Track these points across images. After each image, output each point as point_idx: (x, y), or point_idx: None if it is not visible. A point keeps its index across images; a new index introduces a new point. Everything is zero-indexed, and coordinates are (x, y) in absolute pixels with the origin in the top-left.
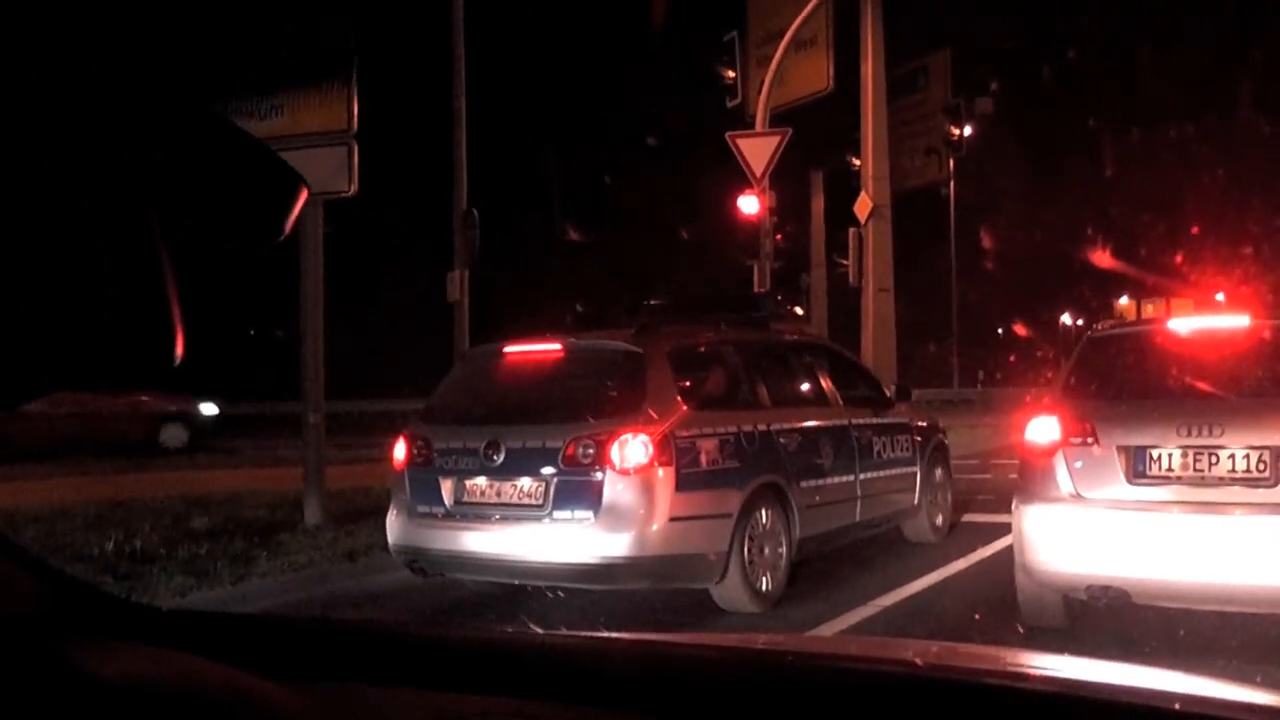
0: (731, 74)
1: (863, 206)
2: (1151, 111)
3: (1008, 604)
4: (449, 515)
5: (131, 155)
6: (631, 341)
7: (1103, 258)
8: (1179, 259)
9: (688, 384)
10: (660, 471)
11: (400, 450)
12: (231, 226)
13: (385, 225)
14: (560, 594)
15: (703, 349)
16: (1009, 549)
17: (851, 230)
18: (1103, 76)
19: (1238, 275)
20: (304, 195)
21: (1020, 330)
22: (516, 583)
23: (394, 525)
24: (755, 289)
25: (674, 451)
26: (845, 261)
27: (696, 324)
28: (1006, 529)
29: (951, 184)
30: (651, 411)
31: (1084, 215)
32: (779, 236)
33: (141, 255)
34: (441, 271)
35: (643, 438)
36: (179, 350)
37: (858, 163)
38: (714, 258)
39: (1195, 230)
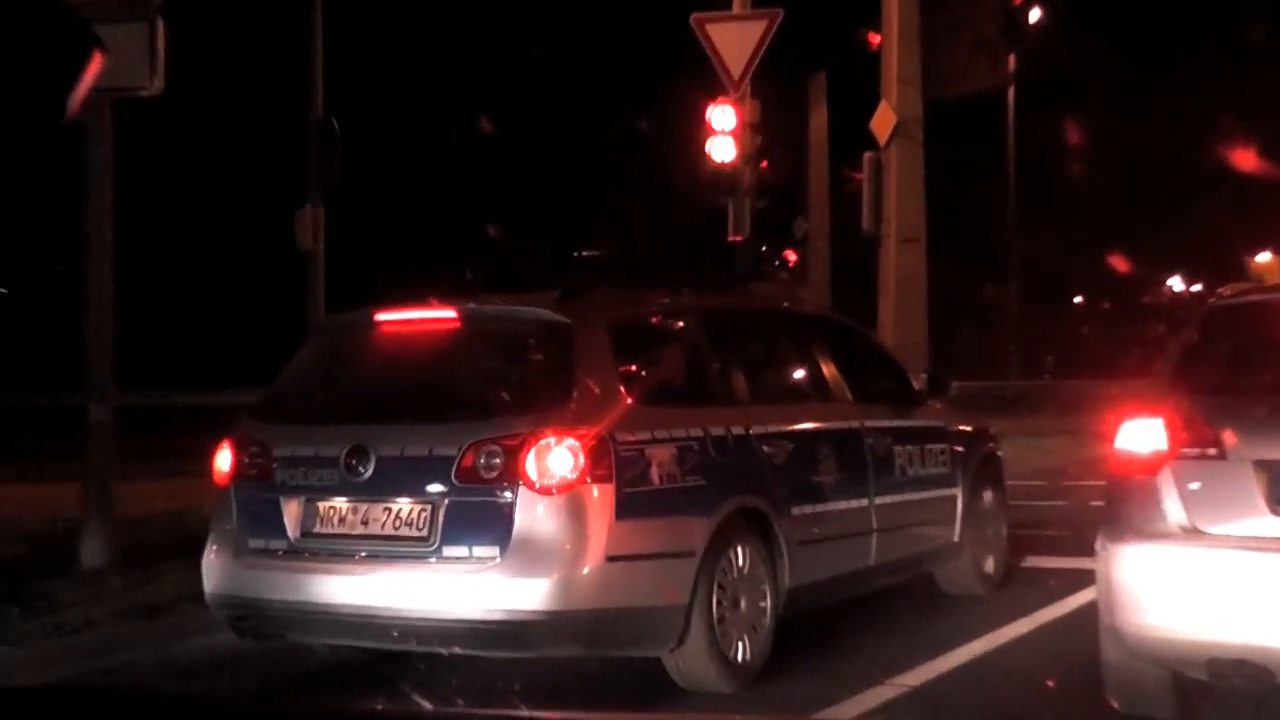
0: None
1: (883, 122)
2: None
3: (1090, 684)
4: (294, 552)
5: None
6: (556, 309)
7: (1234, 191)
8: None
9: (635, 369)
10: (595, 490)
11: (224, 460)
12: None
13: (210, 144)
14: (452, 657)
15: (656, 321)
16: (1091, 606)
17: (867, 156)
18: None
19: None
20: (98, 60)
21: (1106, 302)
22: (392, 648)
23: (214, 567)
24: (730, 237)
25: (614, 462)
26: (858, 179)
27: (647, 286)
28: (1086, 578)
29: (1011, 91)
30: (584, 406)
31: (1206, 129)
32: (764, 165)
33: None
34: (288, 211)
35: (570, 443)
36: None
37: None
38: (673, 196)
39: None
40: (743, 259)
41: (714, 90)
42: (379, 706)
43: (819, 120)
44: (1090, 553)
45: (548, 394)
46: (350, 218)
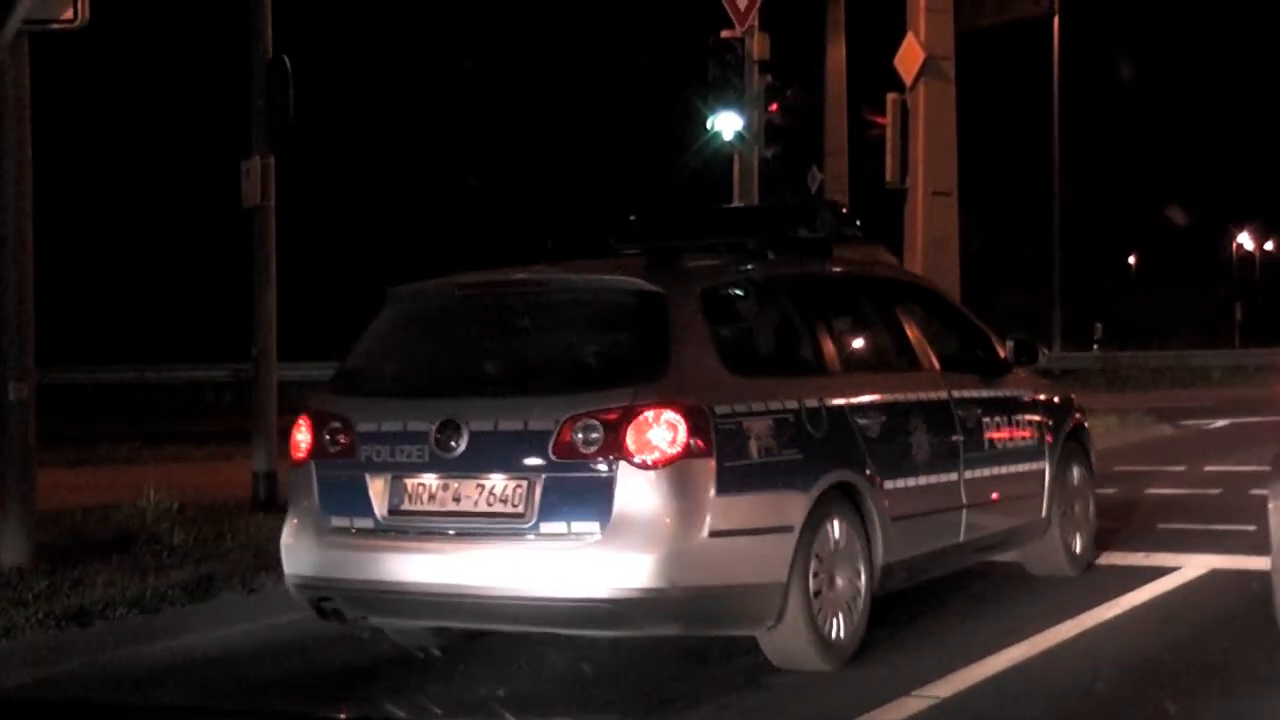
0: None
1: (910, 58)
2: None
3: (1141, 690)
4: (381, 531)
5: None
6: (646, 277)
7: None
8: None
9: (728, 339)
10: (696, 465)
11: (303, 435)
12: None
13: (143, 87)
14: (430, 660)
15: (749, 288)
16: (1147, 608)
17: (891, 98)
18: None
19: None
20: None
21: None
22: (483, 628)
23: (294, 548)
24: (739, 192)
25: (714, 436)
26: (881, 123)
27: (734, 252)
28: (1140, 575)
29: (1056, 20)
30: (681, 378)
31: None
32: (774, 108)
33: None
34: (233, 163)
35: (671, 416)
36: None
37: None
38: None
39: None
40: (824, 220)
41: (719, 22)
42: (340, 717)
43: (836, 56)
44: (1146, 548)
45: (643, 365)
46: (307, 170)
